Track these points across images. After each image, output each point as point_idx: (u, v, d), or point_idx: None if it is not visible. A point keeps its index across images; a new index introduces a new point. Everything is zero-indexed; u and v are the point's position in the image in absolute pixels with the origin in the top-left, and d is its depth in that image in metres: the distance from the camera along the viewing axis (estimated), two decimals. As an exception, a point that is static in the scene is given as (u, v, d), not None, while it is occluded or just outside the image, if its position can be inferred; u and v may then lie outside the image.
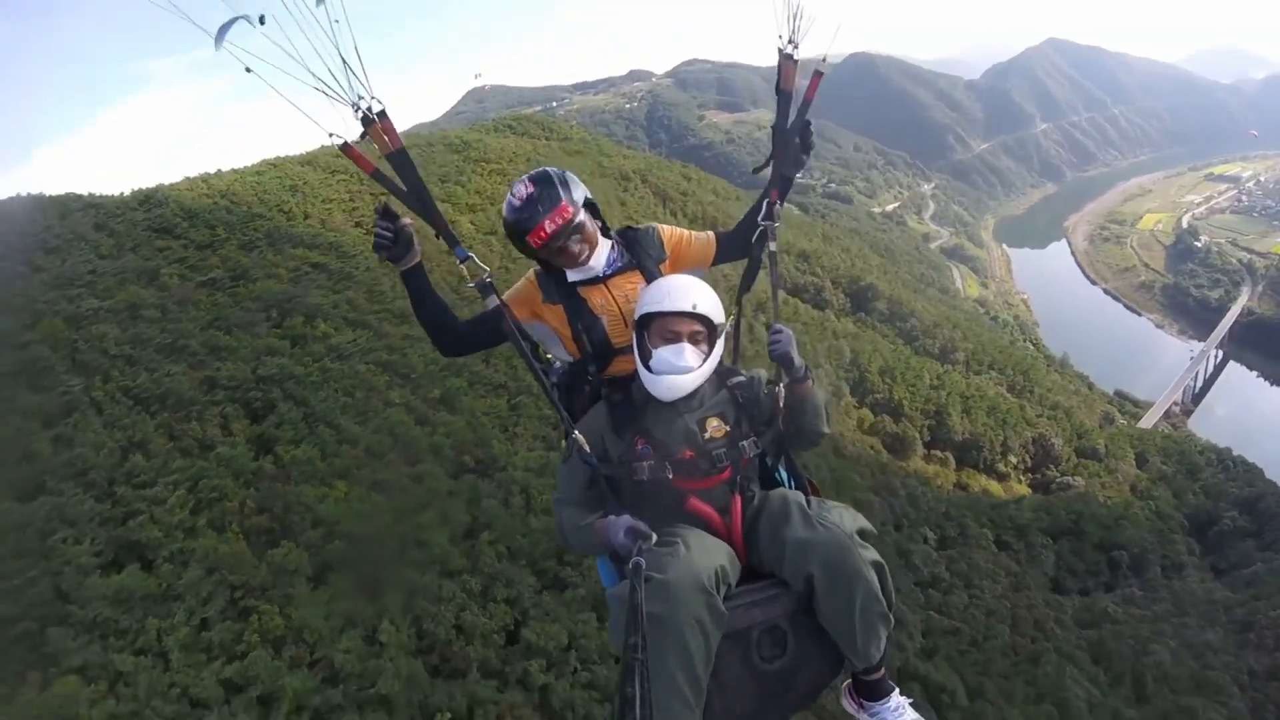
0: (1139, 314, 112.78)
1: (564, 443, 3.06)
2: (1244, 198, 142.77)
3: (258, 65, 2.29)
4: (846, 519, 2.71)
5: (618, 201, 77.48)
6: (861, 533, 2.68)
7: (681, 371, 2.85)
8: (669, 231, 3.43)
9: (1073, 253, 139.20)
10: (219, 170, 58.33)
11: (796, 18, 3.11)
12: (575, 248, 3.10)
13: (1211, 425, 78.01)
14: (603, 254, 3.20)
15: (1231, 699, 31.70)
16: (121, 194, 47.08)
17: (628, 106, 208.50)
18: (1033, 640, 35.42)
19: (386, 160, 2.72)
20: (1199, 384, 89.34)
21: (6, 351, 28.07)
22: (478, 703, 17.70)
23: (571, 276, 3.18)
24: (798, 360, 3.02)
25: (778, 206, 3.33)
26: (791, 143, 3.31)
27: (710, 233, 3.54)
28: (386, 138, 2.66)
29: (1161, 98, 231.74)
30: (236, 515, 21.34)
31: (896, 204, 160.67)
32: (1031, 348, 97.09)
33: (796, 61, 3.19)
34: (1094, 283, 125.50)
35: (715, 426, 2.92)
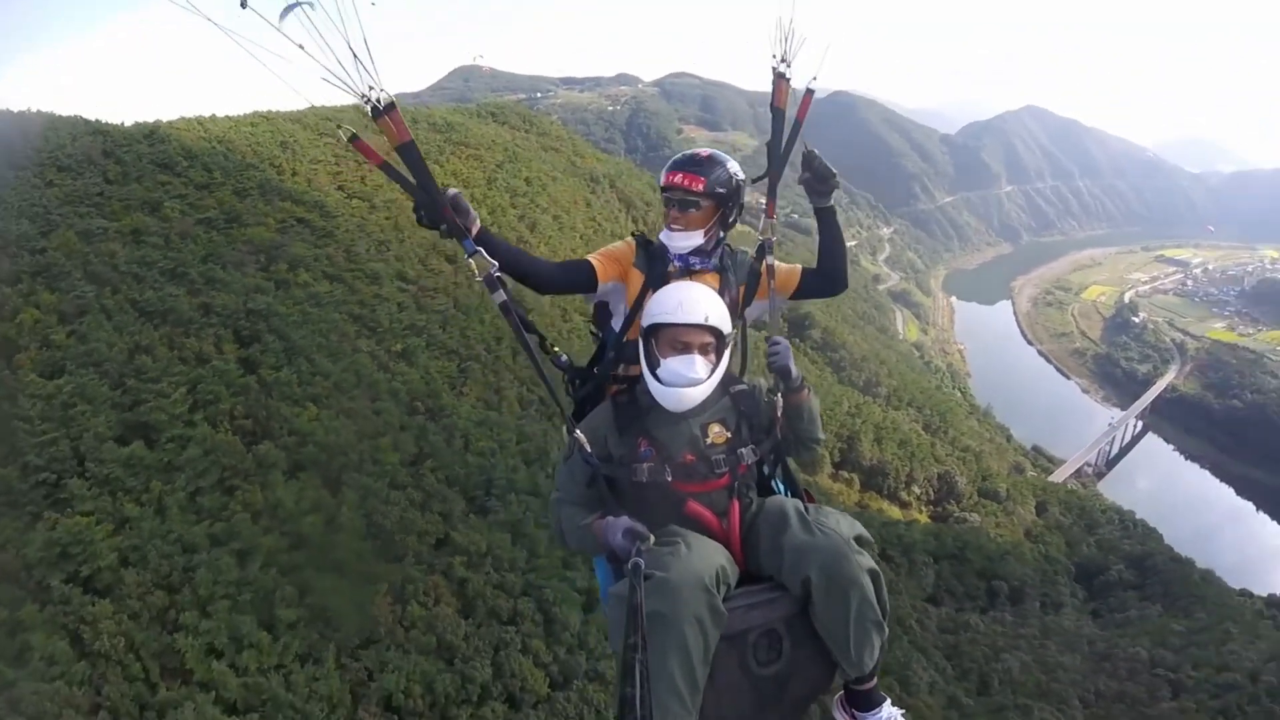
0: (1068, 377, 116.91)
1: (565, 438, 3.07)
2: (1189, 282, 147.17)
3: (267, 56, 2.26)
4: (844, 525, 2.73)
5: (584, 202, 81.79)
6: (858, 539, 2.71)
7: (692, 384, 2.87)
8: (753, 262, 3.49)
9: (1015, 312, 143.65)
10: (214, 115, 61.28)
11: (789, 38, 3.21)
12: (674, 212, 3.27)
13: (1124, 492, 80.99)
14: (689, 242, 3.29)
15: (1073, 709, 34.80)
16: (122, 123, 50.26)
17: (610, 109, 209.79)
18: (891, 636, 39.75)
19: (396, 152, 2.71)
20: (1114, 449, 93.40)
21: (25, 254, 31.54)
22: (410, 580, 22.39)
23: (670, 249, 3.31)
24: (795, 371, 3.11)
25: (773, 221, 3.47)
26: (808, 177, 3.57)
27: (798, 265, 3.63)
28: (395, 129, 2.63)
29: (1127, 177, 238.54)
30: (227, 416, 25.88)
31: (853, 243, 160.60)
32: (958, 394, 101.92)
33: (789, 80, 3.32)
34: (1030, 343, 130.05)
35: (717, 432, 2.95)
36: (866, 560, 2.66)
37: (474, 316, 44.36)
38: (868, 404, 74.21)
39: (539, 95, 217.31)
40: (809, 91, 3.49)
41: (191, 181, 43.47)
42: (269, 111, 64.04)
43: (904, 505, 64.64)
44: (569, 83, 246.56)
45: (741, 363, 3.50)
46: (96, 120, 48.93)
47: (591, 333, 3.55)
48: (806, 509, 2.81)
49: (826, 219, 3.57)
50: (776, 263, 3.48)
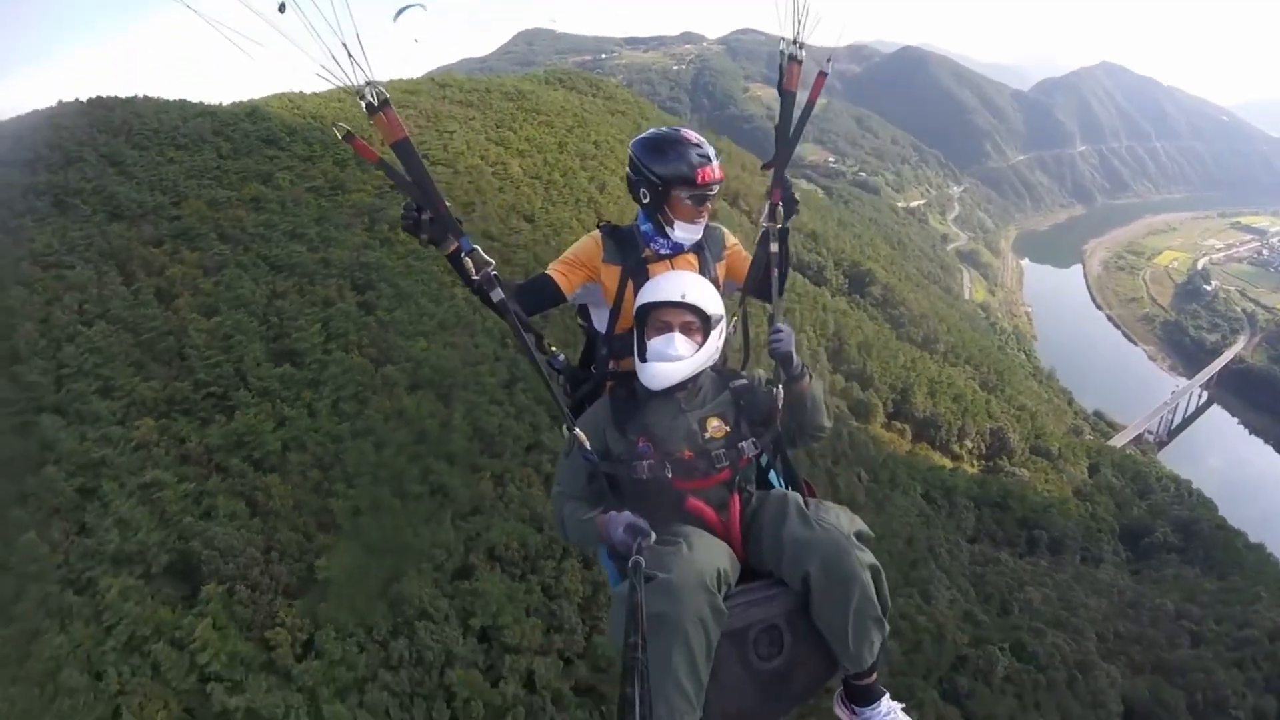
0: (1135, 343, 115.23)
1: (564, 435, 3.10)
2: (1265, 251, 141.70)
3: (263, 52, 2.32)
4: (844, 520, 2.76)
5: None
6: (858, 535, 2.74)
7: (671, 360, 2.91)
8: (730, 239, 3.54)
9: (1085, 276, 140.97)
10: (302, 92, 67.19)
11: (802, 20, 3.20)
12: (703, 207, 3.26)
13: (1186, 463, 78.61)
14: (696, 234, 3.30)
15: (1086, 641, 36.77)
16: (221, 104, 56.90)
17: (675, 68, 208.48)
18: (919, 558, 43.03)
19: (392, 149, 2.71)
20: (1176, 419, 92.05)
21: (164, 221, 37.80)
22: (508, 470, 28.97)
23: (658, 241, 3.29)
24: (796, 359, 3.14)
25: (779, 208, 3.39)
26: (783, 180, 3.41)
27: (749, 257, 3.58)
28: (390, 126, 2.62)
29: (1205, 139, 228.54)
30: (355, 346, 31.87)
31: (922, 201, 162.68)
32: (1022, 356, 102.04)
33: (800, 62, 3.31)
34: (1099, 307, 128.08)
35: (716, 426, 2.98)
36: (867, 556, 2.66)
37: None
38: (923, 359, 76.37)
39: (604, 56, 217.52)
40: (821, 74, 3.48)
41: (296, 154, 49.50)
42: (352, 87, 69.19)
43: (955, 458, 66.69)
44: (633, 43, 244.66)
45: (744, 353, 3.53)
46: (200, 102, 55.24)
47: (580, 325, 3.57)
48: (806, 504, 2.82)
49: (784, 239, 3.43)
50: (739, 250, 3.54)
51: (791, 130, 3.41)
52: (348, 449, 28.51)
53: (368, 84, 2.56)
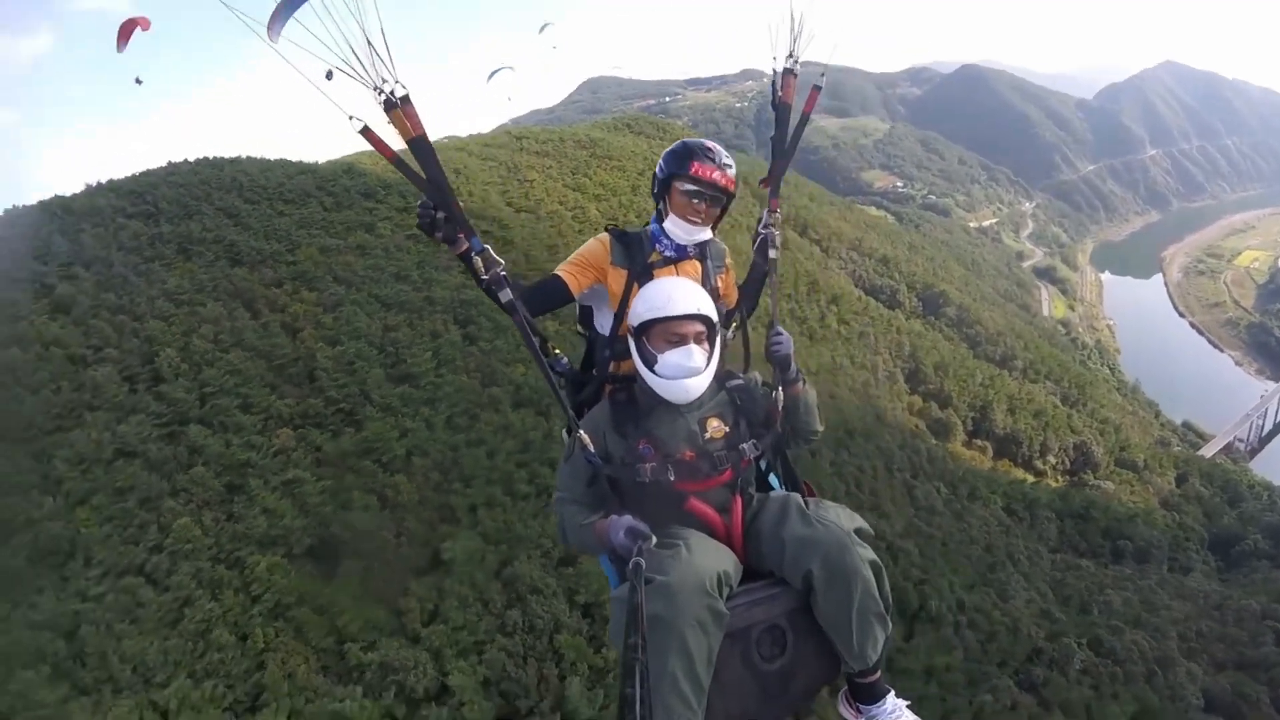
0: (1220, 350, 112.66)
1: (565, 439, 3.11)
2: None
3: (284, 46, 2.31)
4: (844, 518, 2.78)
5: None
6: (859, 532, 2.76)
7: (694, 374, 2.92)
8: (728, 260, 3.59)
9: (1166, 284, 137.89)
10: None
11: (798, 36, 3.31)
12: (704, 205, 3.31)
13: None
14: (702, 235, 3.37)
15: (1167, 640, 36.94)
16: (317, 161, 63.27)
17: (738, 105, 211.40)
18: (997, 563, 44.24)
19: (408, 146, 2.69)
20: (1267, 425, 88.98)
21: (282, 266, 42.98)
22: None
23: (664, 240, 3.36)
24: (793, 363, 3.18)
25: (777, 215, 3.50)
26: (778, 173, 3.53)
27: (735, 288, 3.71)
28: (409, 123, 2.62)
29: (1277, 132, 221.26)
30: (463, 370, 36.22)
31: (994, 220, 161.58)
32: (1106, 371, 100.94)
33: (796, 76, 3.43)
34: (1182, 315, 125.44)
35: (715, 427, 3.00)
36: (868, 552, 2.68)
37: None
38: (1001, 376, 76.70)
39: (667, 99, 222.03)
40: (815, 88, 3.58)
41: (392, 206, 54.45)
42: (435, 142, 75.39)
43: (1038, 474, 66.62)
44: (695, 84, 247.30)
45: (745, 356, 3.56)
46: (300, 160, 61.63)
47: (579, 332, 3.61)
48: (806, 503, 2.84)
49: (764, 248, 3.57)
50: (732, 273, 3.63)
51: (787, 143, 3.54)
52: (463, 456, 33.48)
53: (384, 80, 2.54)
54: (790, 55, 3.41)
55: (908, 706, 2.83)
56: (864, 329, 74.86)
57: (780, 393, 3.12)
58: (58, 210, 48.47)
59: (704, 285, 3.27)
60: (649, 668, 1.96)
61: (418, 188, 2.80)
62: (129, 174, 54.31)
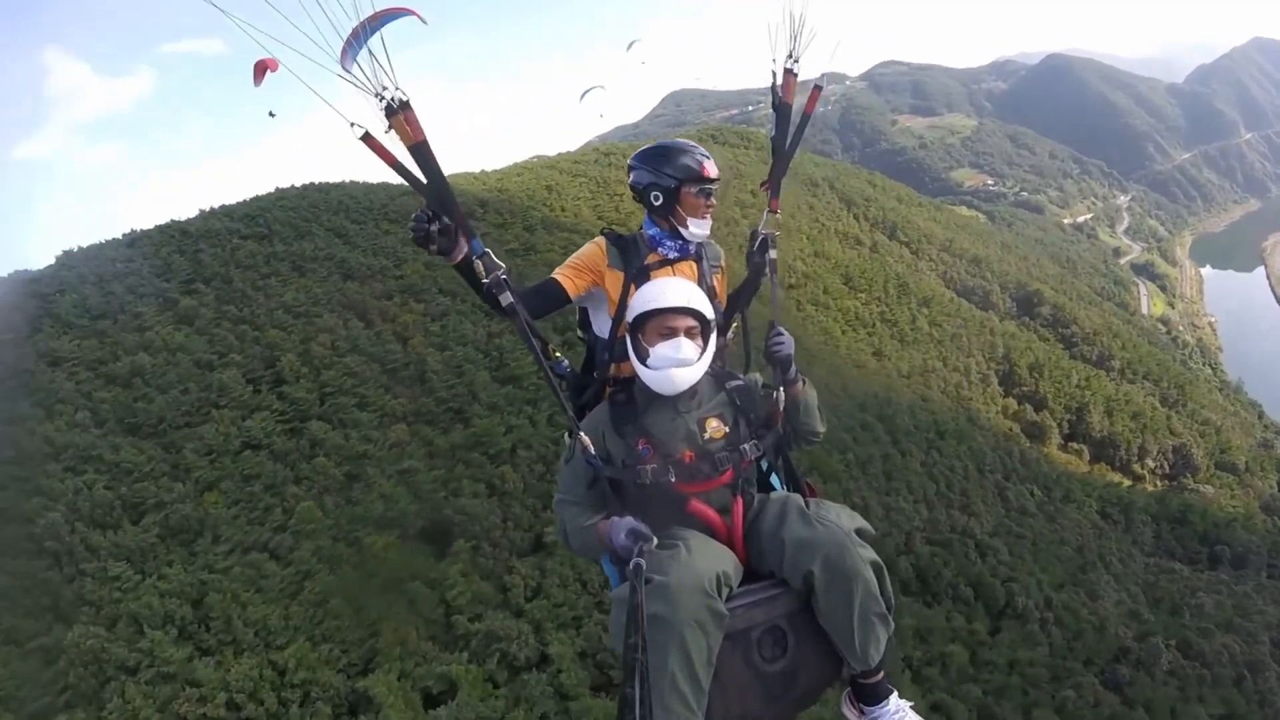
0: None
1: (566, 441, 3.08)
2: None
3: (284, 53, 2.29)
4: (845, 518, 2.77)
5: (806, 206, 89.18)
6: (860, 532, 2.74)
7: (682, 364, 2.88)
8: (723, 260, 3.61)
9: (1268, 276, 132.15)
10: (483, 170, 78.80)
11: (799, 35, 3.28)
12: (710, 201, 3.31)
13: None
14: (706, 230, 3.36)
15: (1260, 644, 36.47)
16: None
17: (821, 110, 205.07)
18: (1088, 563, 43.96)
19: (409, 152, 2.67)
20: None
21: (390, 280, 46.62)
22: None
23: (667, 244, 3.34)
24: (793, 364, 3.15)
25: (777, 216, 3.50)
26: (779, 175, 3.52)
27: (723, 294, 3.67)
28: (410, 129, 2.62)
29: None
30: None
31: (1089, 215, 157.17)
32: (1207, 371, 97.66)
33: (797, 75, 3.41)
34: None
35: (715, 427, 2.97)
36: (869, 553, 2.67)
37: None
38: (1098, 377, 75.35)
39: (750, 109, 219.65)
40: (817, 87, 3.59)
41: (490, 223, 58.30)
42: (528, 160, 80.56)
43: (1136, 478, 65.50)
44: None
45: (745, 357, 3.59)
46: (400, 184, 66.03)
47: (579, 337, 3.62)
48: (807, 503, 2.84)
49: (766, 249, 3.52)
50: (723, 275, 3.60)
51: (788, 142, 3.52)
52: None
53: (385, 87, 2.55)
54: (790, 55, 3.39)
55: (911, 707, 2.83)
56: (956, 331, 74.83)
57: (782, 392, 3.07)
58: (174, 233, 53.58)
59: (700, 284, 3.28)
60: (648, 667, 1.94)
61: (419, 193, 2.79)
62: (240, 199, 59.62)
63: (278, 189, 63.21)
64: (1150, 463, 67.66)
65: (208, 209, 58.71)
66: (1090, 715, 31.50)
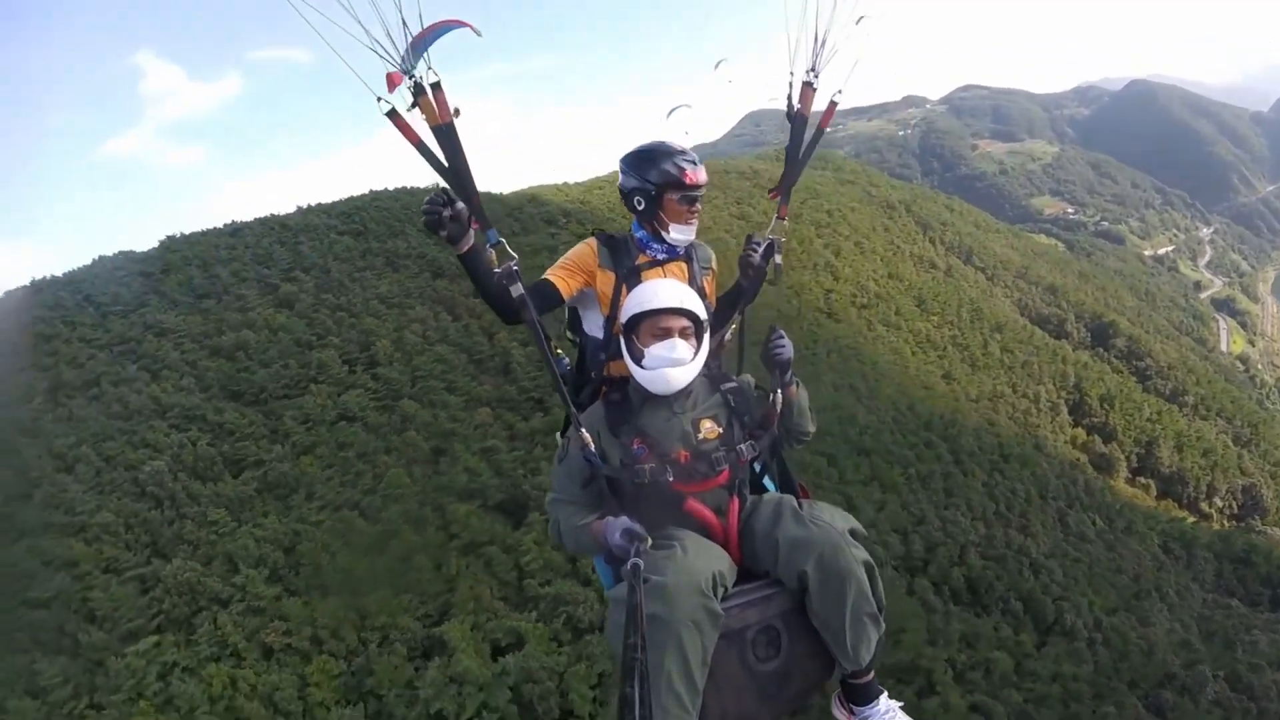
0: None
1: (560, 440, 3.13)
2: None
3: (322, 24, 2.31)
4: (838, 519, 2.78)
5: (882, 228, 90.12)
6: (852, 532, 2.76)
7: (677, 364, 2.90)
8: (714, 262, 3.60)
9: None
10: (565, 182, 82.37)
11: (820, 50, 3.33)
12: (694, 208, 3.30)
13: None
14: (688, 236, 3.36)
15: None
16: (503, 193, 72.15)
17: (900, 134, 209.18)
18: (1143, 592, 43.93)
19: (433, 133, 2.65)
20: None
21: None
22: None
23: (654, 246, 3.35)
24: (790, 367, 3.13)
25: (785, 223, 3.53)
26: (761, 264, 3.47)
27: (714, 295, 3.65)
28: (438, 109, 2.61)
29: None
30: None
31: (1170, 247, 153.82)
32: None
33: (815, 89, 3.45)
34: None
35: (709, 428, 2.97)
36: (861, 553, 2.70)
37: (793, 324, 58.21)
38: (1170, 411, 74.51)
39: (828, 130, 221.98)
40: (832, 103, 3.60)
41: (571, 232, 61.21)
42: (606, 176, 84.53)
43: (1204, 517, 64.53)
44: (857, 113, 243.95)
45: (740, 356, 3.56)
46: (487, 191, 70.47)
47: (569, 339, 3.62)
48: (800, 504, 2.85)
49: (769, 253, 3.50)
50: (714, 276, 3.59)
51: (801, 153, 3.58)
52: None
53: (416, 66, 2.55)
54: (811, 69, 3.44)
55: (900, 708, 2.86)
56: (1028, 358, 74.64)
57: (779, 394, 3.06)
58: (274, 225, 58.65)
59: (690, 285, 3.30)
60: (646, 666, 1.83)
61: (439, 175, 2.77)
62: (336, 199, 64.97)
63: (371, 190, 68.08)
64: (1219, 501, 66.75)
65: (305, 206, 64.16)
66: (1130, 736, 31.57)
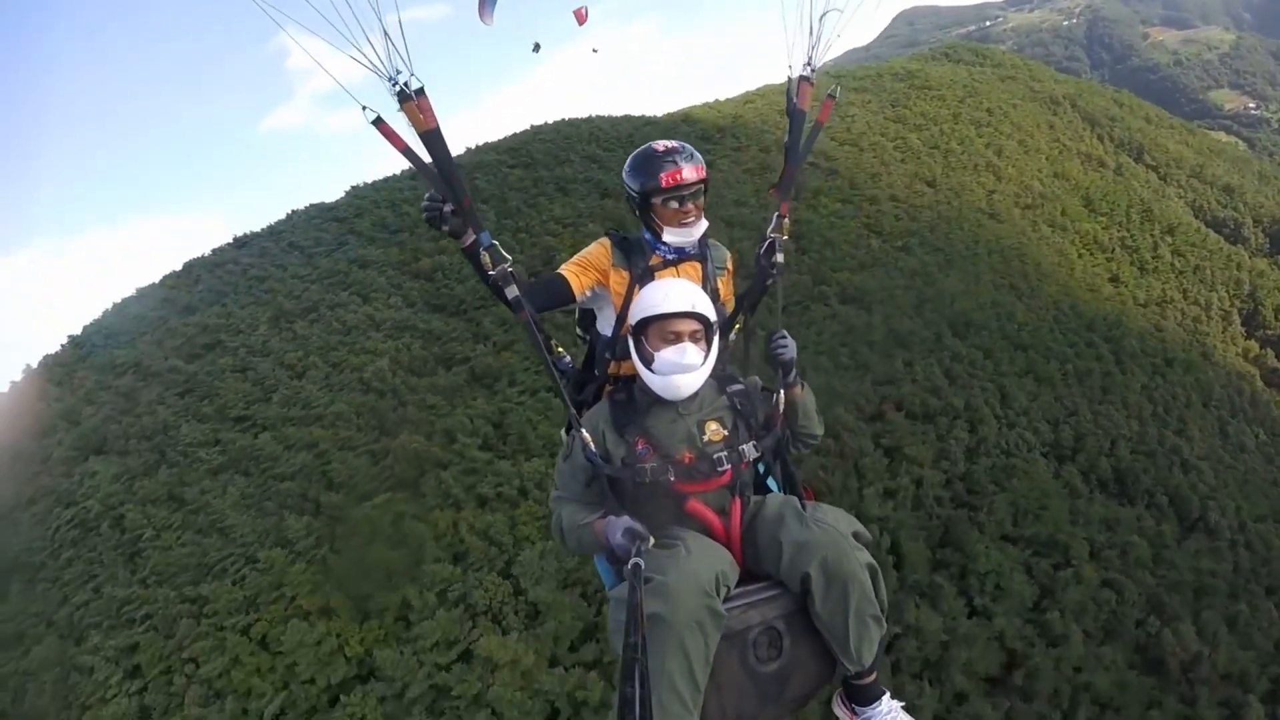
0: None
1: (564, 438, 3.18)
2: None
3: (303, 36, 2.32)
4: (842, 521, 2.79)
5: (1046, 125, 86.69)
6: (855, 535, 2.77)
7: (688, 370, 2.91)
8: (730, 264, 3.60)
9: None
10: (717, 99, 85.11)
11: (815, 45, 3.33)
12: (690, 206, 3.29)
13: None
14: (700, 231, 3.37)
15: None
16: (658, 115, 76.98)
17: (1065, 24, 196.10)
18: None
19: (420, 139, 2.67)
20: None
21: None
22: None
23: (662, 246, 3.35)
24: (794, 368, 3.14)
25: (785, 220, 3.41)
26: (761, 265, 3.43)
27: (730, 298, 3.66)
28: (422, 115, 2.62)
29: None
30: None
31: None
32: None
33: (812, 83, 3.43)
34: None
35: (714, 430, 2.99)
36: (865, 555, 2.70)
37: (953, 225, 61.24)
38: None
39: (988, 24, 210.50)
40: (830, 96, 3.62)
41: (726, 146, 64.90)
42: (760, 89, 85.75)
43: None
44: (1016, 4, 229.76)
45: (744, 359, 3.59)
46: (642, 115, 76.36)
47: (579, 337, 3.66)
48: (804, 506, 2.85)
49: (771, 253, 3.43)
50: (730, 278, 3.60)
51: (800, 148, 3.48)
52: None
53: (399, 72, 2.54)
54: (807, 63, 3.39)
55: (902, 708, 2.86)
56: (1200, 263, 71.24)
57: (783, 395, 3.09)
58: None
59: (704, 286, 3.29)
60: (647, 666, 1.86)
61: (429, 181, 2.78)
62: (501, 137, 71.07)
63: (532, 126, 73.95)
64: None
65: (473, 146, 70.12)
66: (1259, 635, 32.79)
